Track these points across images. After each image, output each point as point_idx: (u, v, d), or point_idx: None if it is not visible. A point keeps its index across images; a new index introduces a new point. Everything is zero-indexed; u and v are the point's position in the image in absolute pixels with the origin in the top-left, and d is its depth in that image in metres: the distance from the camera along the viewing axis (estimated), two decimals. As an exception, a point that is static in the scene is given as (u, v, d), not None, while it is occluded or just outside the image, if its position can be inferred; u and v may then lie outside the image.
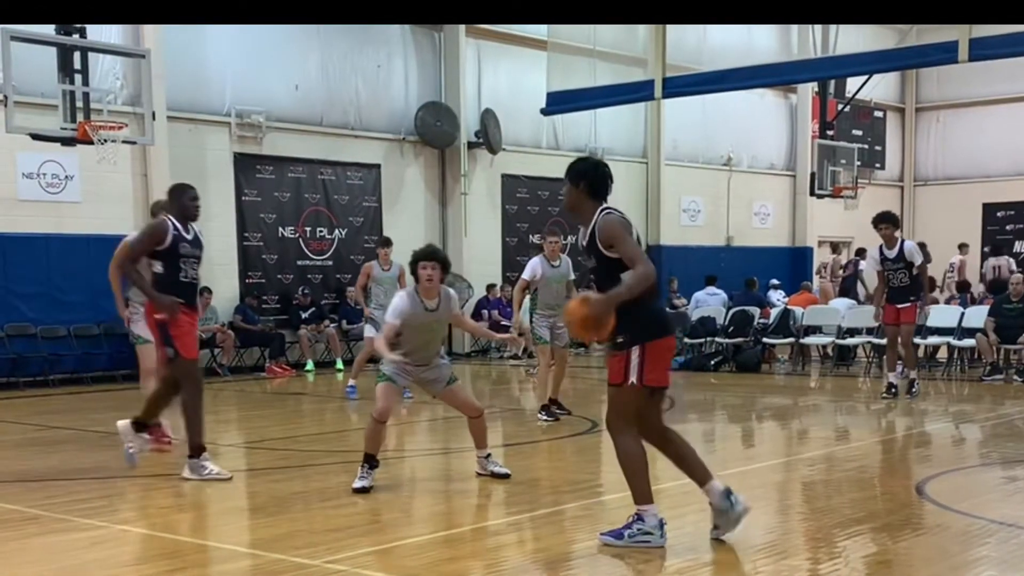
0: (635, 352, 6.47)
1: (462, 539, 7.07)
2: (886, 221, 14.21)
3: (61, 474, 9.41)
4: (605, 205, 6.69)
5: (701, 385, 16.95)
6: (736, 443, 12.08)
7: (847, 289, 25.22)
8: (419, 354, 8.51)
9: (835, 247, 27.47)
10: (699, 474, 6.77)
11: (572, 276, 12.83)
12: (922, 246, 16.25)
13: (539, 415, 12.59)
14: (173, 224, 8.92)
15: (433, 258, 8.48)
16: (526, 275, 12.57)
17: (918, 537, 7.12)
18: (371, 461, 8.50)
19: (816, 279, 25.66)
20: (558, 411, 12.80)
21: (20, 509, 7.93)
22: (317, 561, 6.40)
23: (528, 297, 13.12)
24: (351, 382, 15.22)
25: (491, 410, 13.53)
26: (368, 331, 14.67)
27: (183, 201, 9.05)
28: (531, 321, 12.89)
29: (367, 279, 14.85)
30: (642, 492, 6.65)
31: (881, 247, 14.26)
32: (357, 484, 8.40)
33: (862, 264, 25.96)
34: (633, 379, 6.48)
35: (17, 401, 15.30)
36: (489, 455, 9.03)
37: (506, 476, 8.87)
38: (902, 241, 14.27)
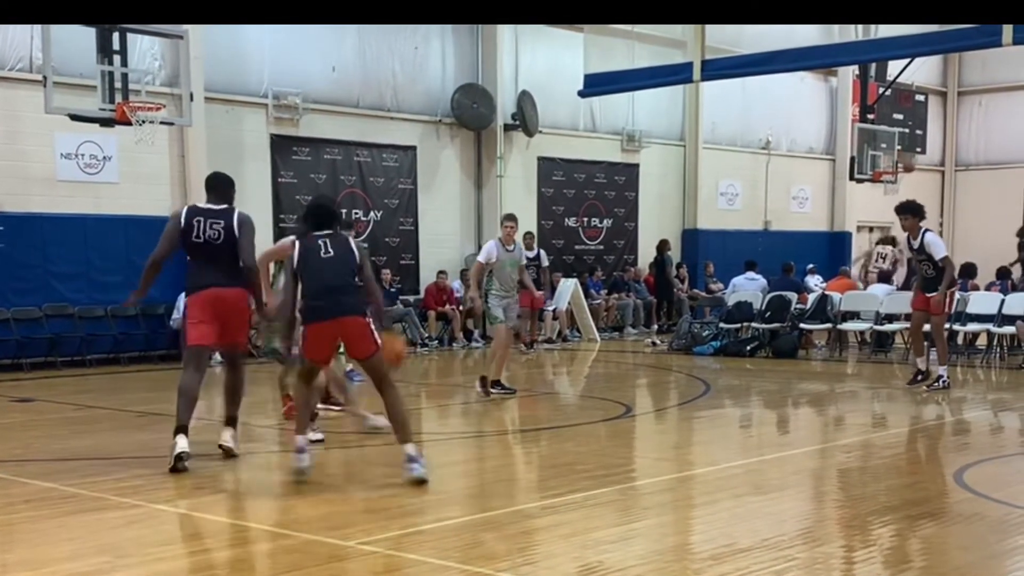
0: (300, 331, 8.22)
1: (495, 523, 7.05)
2: (905, 211, 13.58)
3: (98, 453, 9.48)
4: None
5: (737, 370, 16.85)
6: (771, 429, 12.03)
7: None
8: None
9: (874, 231, 26.92)
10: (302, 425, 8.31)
11: (524, 261, 13.55)
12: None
13: (480, 389, 12.96)
14: None
15: None
16: (481, 257, 13.15)
17: (954, 525, 7.06)
18: None
19: (855, 267, 25.24)
20: (503, 391, 13.11)
21: (58, 487, 8.01)
22: (351, 542, 6.42)
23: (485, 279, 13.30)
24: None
25: (526, 393, 13.55)
26: None
27: None
28: (487, 302, 13.05)
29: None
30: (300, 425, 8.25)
31: (908, 237, 13.80)
32: None
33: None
34: (296, 350, 8.40)
35: (55, 380, 15.43)
36: None
37: None
38: (923, 232, 13.52)
